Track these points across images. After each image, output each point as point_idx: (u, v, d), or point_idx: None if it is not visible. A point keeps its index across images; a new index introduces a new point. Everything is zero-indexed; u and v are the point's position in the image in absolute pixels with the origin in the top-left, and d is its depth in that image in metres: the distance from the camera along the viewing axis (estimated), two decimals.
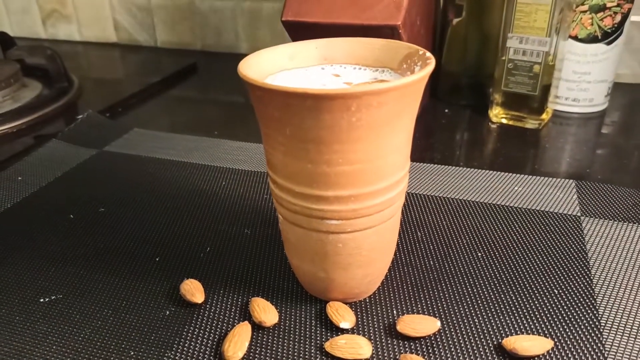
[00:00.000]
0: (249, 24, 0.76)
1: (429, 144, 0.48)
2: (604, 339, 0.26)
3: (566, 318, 0.27)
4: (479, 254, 0.32)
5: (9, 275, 0.32)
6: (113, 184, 0.42)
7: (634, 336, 0.26)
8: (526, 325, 0.27)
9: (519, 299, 0.29)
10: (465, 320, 0.27)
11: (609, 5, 0.48)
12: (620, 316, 0.27)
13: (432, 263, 0.32)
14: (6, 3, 0.89)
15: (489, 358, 0.25)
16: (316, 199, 0.24)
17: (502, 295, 0.29)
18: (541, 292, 0.29)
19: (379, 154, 0.23)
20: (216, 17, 0.77)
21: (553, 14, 0.44)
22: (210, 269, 0.32)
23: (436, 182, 0.40)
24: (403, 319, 0.27)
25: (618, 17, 0.49)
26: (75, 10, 0.85)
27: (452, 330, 0.27)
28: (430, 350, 0.26)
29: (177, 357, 0.26)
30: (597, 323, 0.27)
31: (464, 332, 0.26)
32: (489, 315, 0.28)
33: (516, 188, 0.39)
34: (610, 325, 0.27)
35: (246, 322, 0.27)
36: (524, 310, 0.28)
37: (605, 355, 0.25)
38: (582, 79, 0.52)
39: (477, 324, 0.27)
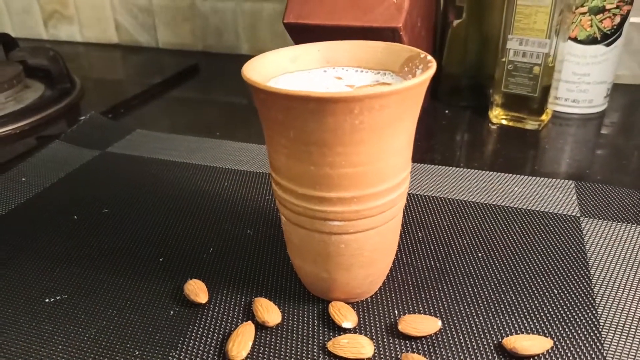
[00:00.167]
0: (249, 25, 0.77)
1: (429, 145, 0.48)
2: (603, 339, 0.26)
3: (565, 318, 0.27)
4: (479, 254, 0.33)
5: (15, 276, 0.32)
6: (116, 185, 0.42)
7: (633, 335, 0.26)
8: (526, 324, 0.27)
9: (519, 299, 0.29)
10: (466, 320, 0.28)
11: (608, 7, 0.48)
12: (619, 316, 0.28)
13: (433, 263, 0.32)
14: (7, 4, 0.89)
15: (489, 357, 0.25)
16: (319, 200, 0.24)
17: (502, 295, 0.29)
18: (541, 292, 0.29)
19: (381, 156, 0.23)
20: (217, 18, 0.78)
21: (553, 16, 0.45)
22: (213, 270, 0.32)
23: (437, 183, 0.41)
24: (404, 318, 0.27)
25: (617, 19, 0.49)
26: (77, 11, 0.86)
27: (453, 329, 0.27)
28: (431, 350, 0.26)
29: (181, 357, 0.26)
30: (596, 322, 0.27)
31: (464, 332, 0.27)
32: (489, 314, 0.28)
33: (516, 189, 0.40)
34: (609, 325, 0.27)
35: (249, 322, 0.28)
36: (524, 310, 0.28)
37: (604, 354, 0.25)
38: (582, 80, 0.52)
39: (477, 323, 0.27)
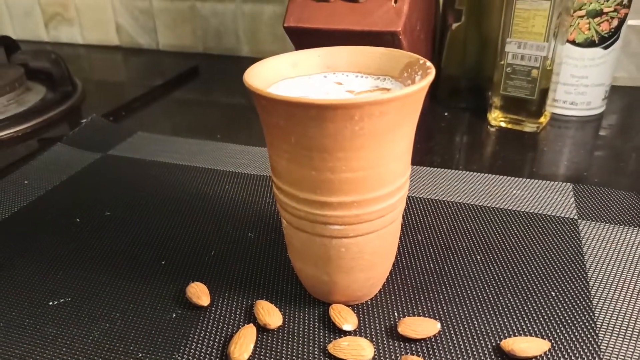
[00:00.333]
0: (250, 27, 0.77)
1: (428, 147, 0.48)
2: (600, 341, 0.27)
3: (563, 320, 0.28)
4: (478, 257, 0.33)
5: (18, 279, 0.33)
6: (118, 187, 0.42)
7: (629, 338, 0.27)
8: (524, 326, 0.28)
9: (517, 301, 0.29)
10: (465, 322, 0.28)
11: (606, 10, 0.49)
12: (615, 318, 0.28)
13: (432, 266, 0.32)
14: (9, 6, 0.90)
15: (488, 359, 0.26)
16: (320, 204, 0.25)
17: (501, 298, 0.30)
18: (539, 295, 0.30)
19: (381, 161, 0.24)
20: (217, 20, 0.78)
21: (551, 19, 0.45)
22: (215, 272, 0.32)
23: (436, 186, 0.41)
24: (404, 321, 0.27)
25: (615, 22, 0.50)
26: (78, 13, 0.86)
27: (452, 332, 0.27)
28: (430, 352, 0.26)
29: (184, 359, 0.26)
30: (593, 325, 0.28)
31: (463, 334, 0.27)
32: (488, 317, 0.28)
33: (514, 191, 0.40)
34: (606, 327, 0.27)
35: (251, 324, 0.28)
36: (522, 312, 0.28)
37: (601, 356, 0.26)
38: (580, 83, 0.52)
39: (476, 325, 0.28)
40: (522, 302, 0.29)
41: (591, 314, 0.28)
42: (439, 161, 0.46)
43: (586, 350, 0.26)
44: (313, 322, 0.28)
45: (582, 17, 0.50)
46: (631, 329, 0.27)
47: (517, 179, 0.42)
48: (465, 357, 0.26)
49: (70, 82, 0.62)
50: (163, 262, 0.34)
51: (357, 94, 0.27)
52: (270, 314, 0.28)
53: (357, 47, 0.29)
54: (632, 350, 0.26)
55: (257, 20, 0.76)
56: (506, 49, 0.48)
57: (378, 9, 0.41)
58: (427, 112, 0.56)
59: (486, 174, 0.43)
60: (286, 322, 0.28)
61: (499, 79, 0.50)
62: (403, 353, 0.26)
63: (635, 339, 0.27)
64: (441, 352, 0.26)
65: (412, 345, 0.27)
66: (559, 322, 0.28)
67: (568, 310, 0.29)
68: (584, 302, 0.29)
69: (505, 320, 0.28)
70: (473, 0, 0.52)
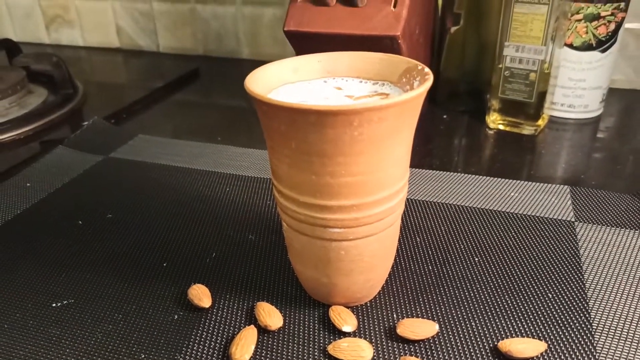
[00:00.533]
0: (250, 30, 0.77)
1: (427, 150, 0.49)
2: (595, 342, 0.27)
3: (559, 321, 0.28)
4: (476, 259, 0.33)
5: (22, 281, 0.33)
6: (119, 190, 0.43)
7: (624, 339, 0.27)
8: (521, 328, 0.28)
9: (514, 303, 0.30)
10: (463, 324, 0.28)
11: (603, 14, 0.49)
12: (611, 319, 0.28)
13: (430, 268, 0.33)
14: (9, 8, 0.90)
15: None
16: (320, 208, 0.25)
17: (498, 299, 0.30)
18: (535, 296, 0.30)
19: (380, 166, 0.24)
20: (218, 22, 0.78)
21: (548, 23, 0.46)
22: (216, 274, 0.33)
23: (435, 188, 0.42)
24: (403, 322, 0.28)
25: (612, 26, 0.50)
26: (78, 15, 0.86)
27: (450, 333, 0.28)
28: (429, 353, 0.27)
29: None
30: (589, 326, 0.28)
31: (461, 335, 0.28)
32: (485, 318, 0.29)
33: (512, 194, 0.40)
34: (601, 329, 0.28)
35: (252, 325, 0.28)
36: (519, 314, 0.29)
37: (597, 356, 0.26)
38: (578, 86, 0.53)
39: (473, 327, 0.28)
40: (519, 304, 0.30)
41: (587, 315, 0.29)
42: (438, 164, 0.46)
43: (582, 352, 0.26)
44: (313, 324, 0.29)
45: (579, 20, 0.50)
46: (627, 331, 0.28)
47: (515, 181, 0.42)
48: (463, 358, 0.26)
49: (71, 84, 0.63)
50: (165, 264, 0.34)
51: (356, 99, 0.27)
52: (271, 316, 0.28)
53: (357, 52, 0.30)
54: (627, 352, 0.26)
55: (257, 23, 0.76)
56: (504, 53, 0.49)
57: (377, 13, 0.42)
58: (426, 115, 0.56)
59: (484, 177, 0.43)
60: (287, 323, 0.29)
61: (497, 82, 0.50)
62: (402, 354, 0.27)
63: (630, 340, 0.27)
64: (439, 353, 0.27)
65: (411, 346, 0.27)
66: (555, 324, 0.28)
67: (564, 311, 0.29)
68: (580, 304, 0.29)
69: (503, 321, 0.28)
70: (471, 4, 0.52)
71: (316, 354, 0.27)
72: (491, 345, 0.27)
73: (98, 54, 0.84)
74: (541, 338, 0.27)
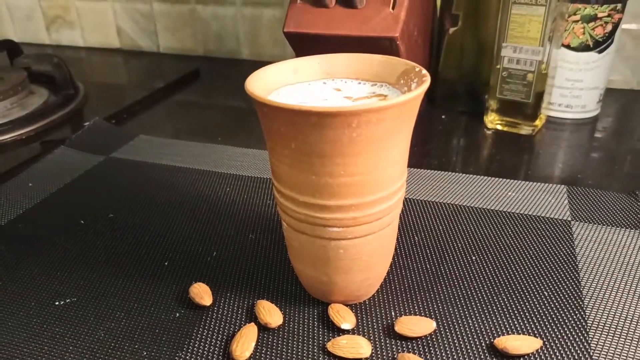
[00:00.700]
0: (250, 31, 0.78)
1: (426, 150, 0.49)
2: (590, 339, 0.27)
3: (555, 319, 0.29)
4: (473, 258, 0.34)
5: (25, 279, 0.33)
6: (121, 190, 0.43)
7: (618, 336, 0.28)
8: (517, 325, 0.28)
9: (511, 301, 0.30)
10: (460, 321, 0.29)
11: (600, 15, 0.50)
12: (606, 317, 0.29)
13: (428, 266, 0.33)
14: (10, 9, 0.91)
15: (482, 357, 0.27)
16: (319, 208, 0.25)
17: (495, 297, 0.30)
18: (531, 294, 0.31)
19: (378, 166, 0.25)
20: (218, 23, 0.79)
21: (546, 24, 0.46)
22: (217, 273, 0.33)
23: (433, 188, 0.42)
24: (401, 320, 0.28)
25: (609, 27, 0.50)
26: (79, 16, 0.87)
27: (447, 330, 0.28)
28: (426, 350, 0.27)
29: (187, 357, 0.27)
30: (583, 323, 0.28)
31: (458, 333, 0.28)
32: (482, 316, 0.29)
33: (509, 193, 0.41)
34: (596, 326, 0.28)
35: (252, 323, 0.29)
36: (515, 312, 0.29)
37: (591, 353, 0.27)
38: (575, 86, 0.53)
39: (470, 324, 0.29)
40: (515, 302, 0.30)
41: (582, 313, 0.29)
42: (437, 164, 0.47)
43: (577, 348, 0.27)
44: (312, 321, 0.29)
45: (576, 21, 0.51)
46: (621, 328, 0.28)
47: (512, 181, 0.43)
48: (459, 355, 0.27)
49: (72, 85, 0.63)
50: (166, 263, 0.34)
51: (355, 100, 0.28)
52: (271, 314, 0.29)
53: (356, 54, 0.30)
54: (622, 348, 0.27)
55: (257, 23, 0.77)
56: (502, 54, 0.49)
57: (376, 15, 0.42)
58: (424, 115, 0.57)
59: (482, 176, 0.43)
60: (286, 321, 0.29)
61: (495, 83, 0.51)
62: (400, 351, 0.27)
63: (624, 337, 0.28)
64: (437, 350, 0.27)
65: (409, 343, 0.28)
66: (550, 321, 0.29)
67: (560, 309, 0.29)
68: (575, 302, 0.30)
69: (499, 319, 0.29)
70: (470, 6, 0.53)
71: (315, 351, 0.27)
72: (487, 342, 0.27)
73: (98, 55, 0.85)
74: (537, 335, 0.28)
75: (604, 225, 0.37)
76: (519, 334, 0.28)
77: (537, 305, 0.30)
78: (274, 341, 0.28)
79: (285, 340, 0.28)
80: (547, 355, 0.27)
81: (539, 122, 0.51)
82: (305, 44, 0.45)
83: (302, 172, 0.25)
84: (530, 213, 0.38)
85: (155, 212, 0.40)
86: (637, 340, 0.27)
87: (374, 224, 0.27)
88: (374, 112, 0.23)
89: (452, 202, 0.40)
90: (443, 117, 0.56)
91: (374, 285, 0.30)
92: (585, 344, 0.27)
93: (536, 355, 0.27)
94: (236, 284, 0.32)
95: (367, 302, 0.30)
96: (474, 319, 0.29)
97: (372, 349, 0.27)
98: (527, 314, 0.29)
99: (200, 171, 0.46)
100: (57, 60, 0.63)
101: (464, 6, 0.53)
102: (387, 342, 0.28)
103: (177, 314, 0.30)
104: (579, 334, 0.28)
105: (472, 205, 0.39)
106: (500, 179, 0.43)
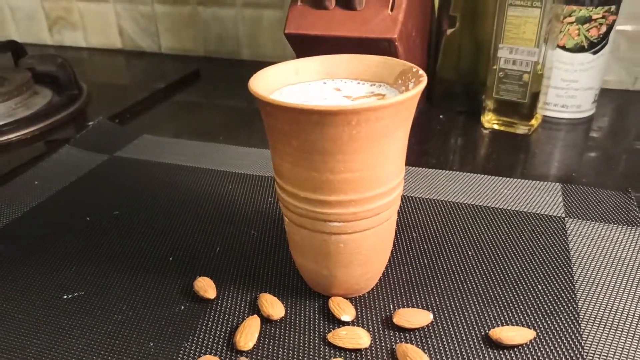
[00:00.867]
0: (250, 32, 0.79)
1: (424, 149, 0.50)
2: (582, 330, 0.28)
3: (548, 311, 0.30)
4: (470, 253, 0.35)
5: (33, 274, 0.34)
6: (125, 188, 0.44)
7: (609, 327, 0.29)
8: (511, 317, 0.29)
9: (505, 294, 0.31)
10: (456, 313, 0.30)
11: (594, 17, 0.51)
12: (597, 309, 0.30)
13: (426, 261, 0.34)
14: (13, 10, 0.91)
15: (477, 347, 0.28)
16: (320, 203, 0.26)
17: (490, 290, 0.31)
18: (525, 288, 0.32)
19: (377, 163, 0.26)
20: (218, 24, 0.80)
21: (541, 26, 0.47)
22: (221, 267, 0.34)
23: (431, 186, 0.43)
24: (399, 312, 0.29)
25: (603, 28, 0.51)
26: (81, 17, 0.88)
27: (443, 322, 0.29)
28: (423, 341, 0.28)
29: (192, 348, 0.28)
30: (576, 316, 0.29)
31: (454, 324, 0.29)
32: (477, 308, 0.30)
33: (505, 191, 0.42)
34: (588, 318, 0.29)
35: (255, 315, 0.30)
36: (510, 304, 0.30)
37: (582, 344, 0.28)
38: (570, 87, 0.54)
39: (466, 316, 0.30)
40: (510, 295, 0.31)
41: (575, 305, 0.30)
42: (434, 162, 0.48)
43: (569, 339, 0.28)
44: (313, 314, 0.30)
45: (571, 23, 0.52)
46: (612, 320, 0.29)
47: (508, 179, 0.44)
48: (455, 345, 0.28)
49: (76, 85, 0.64)
50: (171, 259, 0.35)
51: (354, 99, 0.29)
52: (274, 306, 0.30)
53: (355, 55, 0.31)
54: (612, 339, 0.28)
55: (257, 24, 0.78)
56: (498, 54, 0.50)
57: (375, 17, 0.43)
58: (423, 114, 0.58)
59: (479, 175, 0.44)
60: (288, 313, 0.30)
61: (491, 83, 0.52)
62: (398, 341, 0.28)
63: (615, 328, 0.29)
64: (433, 340, 0.28)
65: (407, 334, 0.29)
66: (544, 313, 0.30)
67: (553, 302, 0.30)
68: (568, 295, 0.31)
69: (494, 311, 0.30)
70: (467, 7, 0.54)
71: (316, 341, 0.28)
72: (483, 333, 0.28)
73: (100, 55, 0.86)
74: (530, 326, 0.29)
75: (597, 221, 0.38)
76: (513, 325, 0.29)
77: (531, 298, 0.31)
78: (277, 332, 0.29)
79: (287, 331, 0.29)
80: (540, 345, 0.28)
81: (534, 122, 0.52)
82: (306, 45, 0.46)
83: (304, 169, 0.26)
84: (525, 210, 0.39)
85: (159, 210, 0.41)
86: (626, 331, 0.28)
87: (373, 219, 0.28)
88: (373, 110, 0.24)
89: (449, 200, 0.41)
90: (441, 116, 0.57)
91: (373, 278, 0.31)
92: (577, 334, 0.28)
93: (530, 346, 0.28)
94: (239, 278, 0.33)
95: (366, 295, 0.31)
96: (469, 311, 0.30)
97: (371, 340, 0.28)
98: (521, 306, 0.30)
99: (202, 170, 0.47)
100: (61, 60, 0.63)
101: (461, 8, 0.54)
102: (386, 333, 0.29)
103: (182, 307, 0.31)
104: (571, 326, 0.29)
105: (468, 203, 0.40)
106: (497, 177, 0.44)
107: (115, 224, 0.39)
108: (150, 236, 0.38)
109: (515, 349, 0.27)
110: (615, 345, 0.28)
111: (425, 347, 0.28)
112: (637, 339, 0.28)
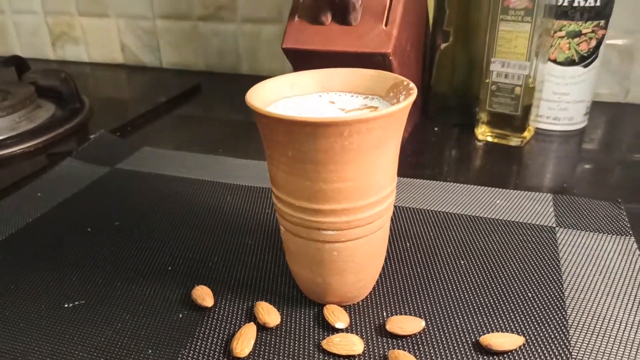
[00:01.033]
0: (249, 46, 0.80)
1: (420, 160, 0.51)
2: (570, 337, 0.29)
3: (537, 318, 0.30)
4: (462, 262, 0.36)
5: (36, 283, 0.35)
6: (126, 199, 0.45)
7: (597, 334, 0.29)
8: (501, 324, 0.30)
9: (496, 302, 0.32)
10: (447, 320, 0.30)
11: (584, 31, 0.52)
12: (586, 316, 0.30)
13: (419, 270, 0.35)
14: (17, 26, 0.93)
15: (467, 353, 0.28)
16: (314, 212, 0.27)
17: (481, 298, 0.32)
18: (515, 295, 0.32)
19: (369, 172, 0.27)
20: (218, 39, 0.81)
21: (532, 41, 0.48)
22: (218, 276, 0.35)
23: (425, 197, 0.44)
24: (392, 319, 0.30)
25: (593, 42, 0.53)
26: (84, 32, 0.89)
27: (435, 329, 0.30)
28: (416, 347, 0.29)
29: (190, 355, 0.29)
30: (564, 323, 0.30)
31: (445, 331, 0.30)
32: (468, 315, 0.31)
33: (497, 201, 0.43)
34: (576, 325, 0.30)
35: (251, 323, 0.30)
36: (500, 311, 0.31)
37: (570, 350, 0.28)
38: (562, 99, 0.55)
39: (457, 323, 0.30)
40: (500, 302, 0.32)
41: (564, 312, 0.31)
42: (429, 173, 0.49)
43: (557, 346, 0.29)
44: (308, 321, 0.31)
45: (562, 37, 0.53)
46: (599, 327, 0.30)
47: (501, 189, 0.44)
48: (446, 351, 0.28)
49: (78, 99, 0.65)
50: (170, 268, 0.36)
51: (347, 111, 0.30)
52: (269, 314, 0.31)
53: (349, 69, 0.32)
54: (599, 345, 0.28)
55: (256, 40, 0.79)
56: (491, 68, 0.51)
57: (370, 32, 0.44)
58: (419, 127, 0.59)
59: (472, 185, 0.45)
60: (284, 321, 0.31)
61: (484, 96, 0.53)
62: (390, 348, 0.29)
63: (602, 335, 0.29)
64: (425, 347, 0.29)
65: (399, 341, 0.29)
66: (533, 320, 0.30)
67: (542, 309, 0.31)
68: (557, 302, 0.32)
69: (484, 318, 0.31)
70: (460, 22, 0.55)
71: (311, 348, 0.29)
72: (473, 339, 0.29)
73: (102, 70, 0.87)
74: (520, 333, 0.29)
75: (587, 231, 0.38)
76: (503, 332, 0.30)
77: (521, 305, 0.31)
78: (272, 340, 0.30)
79: (283, 338, 0.30)
80: (529, 351, 0.28)
81: (527, 134, 0.53)
82: (303, 59, 0.47)
83: (298, 179, 0.27)
84: (517, 220, 0.40)
85: (159, 220, 0.42)
86: (613, 338, 0.29)
87: (366, 228, 0.28)
88: (364, 122, 0.25)
89: (442, 210, 0.42)
90: (436, 129, 0.58)
91: (366, 287, 0.32)
92: (565, 341, 0.29)
93: (519, 352, 0.28)
94: (236, 287, 0.34)
95: (360, 303, 0.32)
96: (460, 318, 0.31)
97: (365, 347, 0.29)
98: (511, 313, 0.31)
99: (202, 181, 0.48)
100: (64, 75, 0.65)
101: (454, 23, 0.55)
102: (379, 340, 0.29)
103: (181, 315, 0.32)
104: (560, 332, 0.29)
105: (461, 213, 0.41)
106: (490, 188, 0.45)
107: (116, 235, 0.40)
108: (150, 246, 0.39)
109: (505, 355, 0.28)
110: (603, 351, 0.28)
111: (417, 354, 0.28)
112: (624, 345, 0.28)
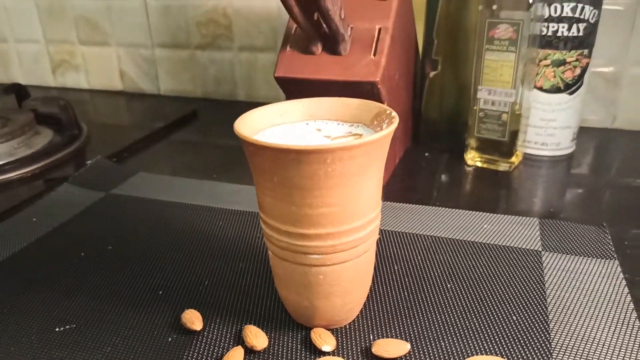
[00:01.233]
0: (245, 74, 0.82)
1: (410, 185, 0.52)
2: (554, 359, 0.29)
3: (521, 340, 0.31)
4: (448, 285, 0.36)
5: (28, 307, 0.35)
6: (120, 224, 0.46)
7: (579, 357, 0.30)
8: (485, 347, 0.31)
9: (481, 325, 0.32)
10: (433, 343, 0.31)
11: (568, 60, 0.54)
12: (569, 340, 0.31)
13: (406, 294, 0.35)
14: (19, 54, 0.95)
15: None
16: (300, 236, 0.28)
17: (466, 321, 0.33)
18: (500, 319, 0.33)
19: (353, 198, 0.27)
20: (215, 67, 0.83)
21: (517, 69, 0.50)
22: (208, 300, 0.36)
23: (413, 221, 0.45)
24: (378, 342, 0.30)
25: (578, 70, 0.54)
26: (84, 60, 0.91)
27: (420, 351, 0.30)
28: None
29: None
30: (548, 345, 0.30)
31: (430, 354, 0.30)
32: (454, 338, 0.31)
33: (485, 225, 0.43)
34: (559, 348, 0.30)
35: (239, 346, 0.31)
36: (484, 334, 0.31)
37: None
38: (549, 125, 0.57)
39: (442, 346, 0.31)
40: (485, 325, 0.32)
41: (547, 335, 0.31)
42: (419, 198, 0.50)
43: None
44: (296, 344, 0.31)
45: (547, 65, 0.54)
46: (582, 350, 0.30)
47: (488, 214, 0.45)
48: None
49: (76, 126, 0.67)
50: (160, 292, 0.37)
51: (333, 139, 0.31)
52: (257, 337, 0.31)
53: (336, 98, 0.33)
54: None
55: (252, 67, 0.81)
56: (478, 95, 0.53)
57: (359, 61, 0.46)
58: (409, 153, 0.60)
59: (459, 210, 0.46)
60: (271, 344, 0.31)
61: (473, 122, 0.54)
62: None
63: (585, 357, 0.30)
64: None
65: None
66: (517, 343, 0.31)
67: (526, 332, 0.32)
68: (541, 325, 0.32)
69: (469, 340, 0.31)
70: (448, 51, 0.57)
71: None
72: None
73: (102, 97, 0.89)
74: (503, 355, 0.30)
75: (572, 254, 0.39)
76: (488, 354, 0.30)
77: (506, 328, 0.32)
78: None
79: None
80: None
81: (515, 159, 0.54)
82: (294, 87, 0.49)
83: (284, 204, 0.27)
84: (503, 244, 0.41)
85: (151, 245, 0.43)
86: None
87: (351, 252, 0.29)
88: (347, 149, 0.26)
89: (430, 234, 0.43)
90: (426, 154, 0.60)
91: (353, 310, 0.32)
92: None
93: None
94: (226, 310, 0.34)
95: (347, 327, 0.33)
96: (446, 341, 0.31)
97: None
98: (495, 336, 0.31)
99: (195, 206, 0.49)
100: (63, 102, 0.66)
101: (443, 52, 0.57)
102: None
103: (170, 339, 0.32)
104: (543, 355, 0.30)
105: (449, 237, 0.42)
106: (477, 212, 0.46)
107: (109, 259, 0.41)
108: (141, 270, 0.39)
109: None
110: None
111: None
112: None
